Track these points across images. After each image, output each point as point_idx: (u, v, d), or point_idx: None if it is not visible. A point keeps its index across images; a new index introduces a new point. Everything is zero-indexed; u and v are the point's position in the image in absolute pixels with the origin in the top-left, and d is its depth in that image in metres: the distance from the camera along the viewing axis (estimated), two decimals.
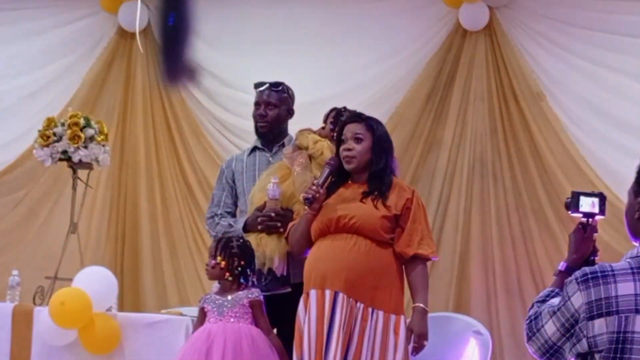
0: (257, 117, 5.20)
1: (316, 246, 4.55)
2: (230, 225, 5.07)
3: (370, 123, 4.60)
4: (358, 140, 4.55)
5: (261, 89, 5.21)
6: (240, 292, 4.80)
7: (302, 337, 4.39)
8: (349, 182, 4.62)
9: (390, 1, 7.02)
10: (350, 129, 4.58)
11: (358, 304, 4.39)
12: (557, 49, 6.68)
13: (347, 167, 4.57)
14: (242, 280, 4.83)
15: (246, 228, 4.96)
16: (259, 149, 5.23)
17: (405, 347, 4.40)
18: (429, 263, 4.64)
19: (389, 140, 4.64)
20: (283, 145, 5.19)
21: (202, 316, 4.88)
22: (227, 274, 4.80)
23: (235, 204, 5.21)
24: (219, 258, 4.81)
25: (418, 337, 4.41)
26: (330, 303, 4.37)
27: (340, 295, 4.37)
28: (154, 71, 7.28)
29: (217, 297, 4.84)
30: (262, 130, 5.19)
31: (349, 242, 4.45)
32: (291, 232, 4.69)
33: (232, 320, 4.77)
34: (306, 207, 4.58)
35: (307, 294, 4.45)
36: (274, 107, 5.17)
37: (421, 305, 4.47)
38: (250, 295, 4.78)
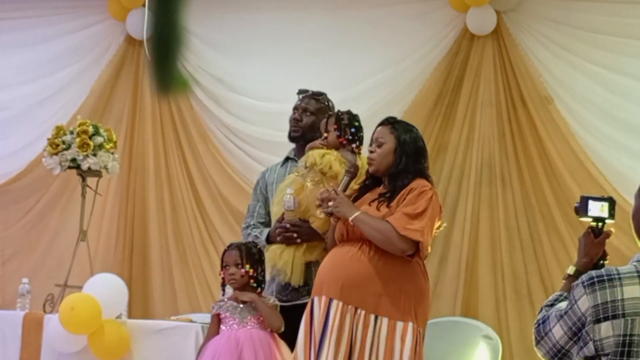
0: (292, 122, 5.12)
1: (328, 253, 4.53)
2: (257, 237, 5.03)
3: (395, 126, 4.50)
4: (379, 144, 4.46)
5: (302, 95, 5.16)
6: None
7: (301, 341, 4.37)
8: (380, 186, 4.54)
9: (397, 6, 7.00)
10: (376, 133, 4.52)
11: (359, 311, 4.32)
12: (564, 52, 6.67)
13: (370, 170, 4.51)
14: (261, 287, 4.84)
15: (269, 240, 4.94)
16: (290, 159, 5.16)
17: (411, 355, 4.29)
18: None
19: (415, 144, 4.48)
20: None
21: (217, 323, 4.84)
22: (252, 280, 4.81)
23: (269, 214, 5.14)
24: (247, 266, 4.80)
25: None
26: (325, 309, 4.33)
27: (335, 302, 4.32)
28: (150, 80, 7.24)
29: (234, 303, 4.82)
30: (293, 135, 5.10)
31: (353, 249, 4.38)
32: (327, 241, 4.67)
33: (254, 326, 4.77)
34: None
35: (312, 301, 4.43)
36: (310, 115, 5.09)
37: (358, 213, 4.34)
38: (268, 302, 4.79)
